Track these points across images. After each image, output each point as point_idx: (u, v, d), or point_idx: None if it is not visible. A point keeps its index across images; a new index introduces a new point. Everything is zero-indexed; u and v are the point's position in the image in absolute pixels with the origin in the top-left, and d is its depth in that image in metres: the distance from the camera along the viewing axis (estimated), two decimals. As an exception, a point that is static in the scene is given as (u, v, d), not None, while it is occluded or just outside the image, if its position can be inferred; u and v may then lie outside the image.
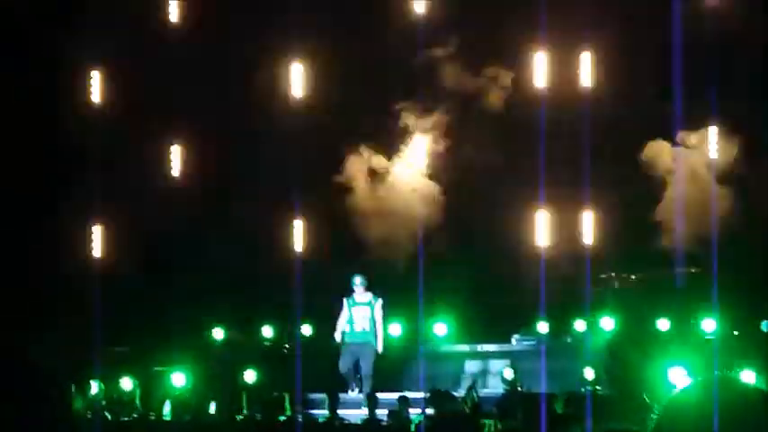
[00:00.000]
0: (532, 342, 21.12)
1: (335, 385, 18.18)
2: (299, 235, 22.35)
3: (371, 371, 18.13)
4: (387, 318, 20.86)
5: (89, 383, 18.90)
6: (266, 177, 22.11)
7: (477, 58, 22.29)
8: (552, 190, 22.00)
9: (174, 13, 22.45)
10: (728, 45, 20.30)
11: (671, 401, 2.77)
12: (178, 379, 19.25)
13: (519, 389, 18.49)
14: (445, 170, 22.47)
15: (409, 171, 22.79)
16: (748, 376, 18.29)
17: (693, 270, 21.87)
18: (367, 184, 22.76)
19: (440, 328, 20.98)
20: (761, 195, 21.39)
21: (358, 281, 18.62)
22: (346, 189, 22.64)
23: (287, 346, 20.92)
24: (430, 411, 14.56)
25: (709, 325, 20.36)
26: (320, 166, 22.41)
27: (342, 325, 18.55)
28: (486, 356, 20.84)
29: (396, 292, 21.60)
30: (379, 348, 18.40)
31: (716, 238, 21.17)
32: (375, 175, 22.90)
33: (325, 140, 22.16)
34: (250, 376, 19.60)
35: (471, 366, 20.64)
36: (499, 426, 13.41)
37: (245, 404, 18.97)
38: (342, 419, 16.35)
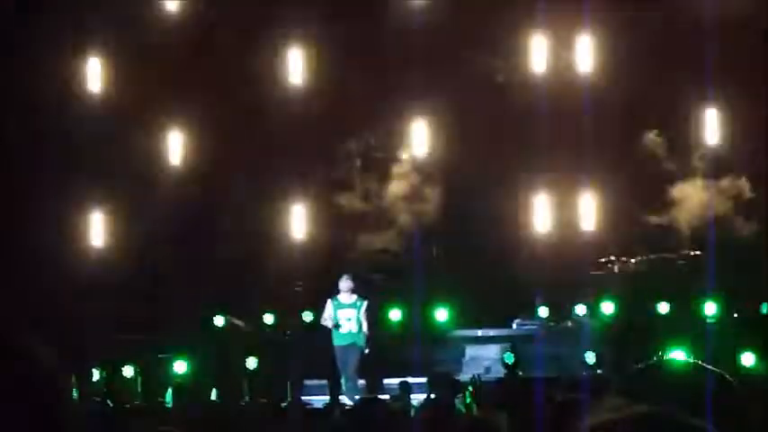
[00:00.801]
0: (533, 326, 21.13)
1: (337, 372, 18.17)
2: (299, 222, 22.38)
3: (356, 372, 17.78)
4: (387, 303, 20.89)
5: (90, 371, 18.96)
6: (267, 164, 22.13)
7: (474, 44, 22.29)
8: (551, 174, 22.03)
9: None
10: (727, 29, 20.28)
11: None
12: (180, 366, 19.30)
13: (519, 373, 18.50)
14: (444, 156, 22.48)
15: (407, 156, 22.81)
16: (748, 359, 18.36)
17: (693, 253, 21.91)
18: (367, 171, 22.78)
19: (440, 314, 20.98)
20: (760, 179, 21.41)
21: (344, 282, 18.11)
22: (346, 177, 22.67)
23: (288, 332, 20.93)
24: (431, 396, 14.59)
25: (709, 308, 20.38)
26: (321, 153, 22.45)
27: (325, 322, 18.17)
28: (486, 341, 20.84)
29: (395, 277, 21.66)
30: (366, 349, 17.98)
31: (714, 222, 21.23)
32: (375, 161, 22.92)
33: (326, 128, 22.17)
34: (251, 363, 19.64)
35: (472, 351, 20.65)
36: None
37: (246, 391, 19.03)
38: (343, 405, 16.40)
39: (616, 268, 22.13)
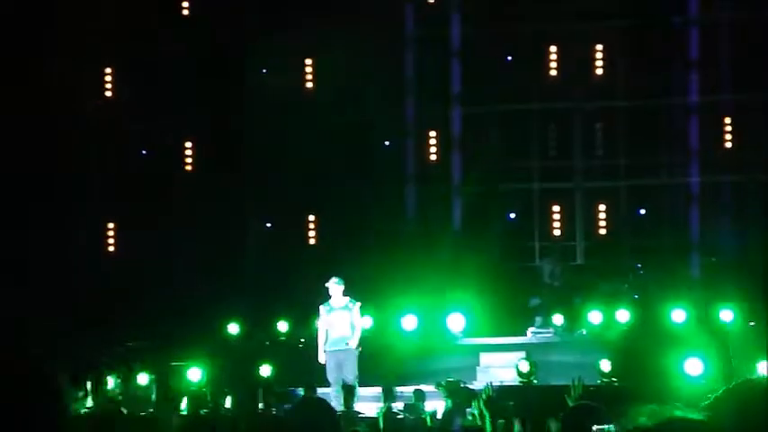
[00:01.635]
0: (548, 335, 21.04)
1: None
2: (313, 228, 22.37)
3: (355, 377, 17.28)
4: (402, 311, 20.80)
5: (106, 378, 18.95)
6: (281, 171, 22.16)
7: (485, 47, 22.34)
8: (562, 182, 21.99)
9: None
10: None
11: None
12: (194, 374, 19.26)
13: (534, 382, 18.40)
14: (458, 162, 22.46)
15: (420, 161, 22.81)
16: (764, 367, 18.22)
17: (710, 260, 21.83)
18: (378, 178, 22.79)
19: (455, 321, 20.88)
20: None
21: (334, 283, 17.49)
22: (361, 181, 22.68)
23: (302, 340, 20.88)
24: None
25: (726, 315, 20.25)
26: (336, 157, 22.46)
27: (323, 339, 17.54)
28: (501, 349, 20.72)
29: (410, 286, 21.59)
30: (358, 349, 17.45)
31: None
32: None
33: (341, 133, 22.21)
34: (266, 371, 19.60)
35: (486, 359, 20.55)
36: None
37: (260, 398, 18.98)
38: (357, 413, 16.32)
39: (632, 276, 22.04)
